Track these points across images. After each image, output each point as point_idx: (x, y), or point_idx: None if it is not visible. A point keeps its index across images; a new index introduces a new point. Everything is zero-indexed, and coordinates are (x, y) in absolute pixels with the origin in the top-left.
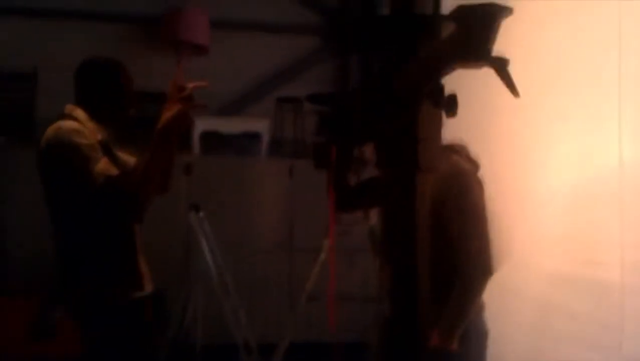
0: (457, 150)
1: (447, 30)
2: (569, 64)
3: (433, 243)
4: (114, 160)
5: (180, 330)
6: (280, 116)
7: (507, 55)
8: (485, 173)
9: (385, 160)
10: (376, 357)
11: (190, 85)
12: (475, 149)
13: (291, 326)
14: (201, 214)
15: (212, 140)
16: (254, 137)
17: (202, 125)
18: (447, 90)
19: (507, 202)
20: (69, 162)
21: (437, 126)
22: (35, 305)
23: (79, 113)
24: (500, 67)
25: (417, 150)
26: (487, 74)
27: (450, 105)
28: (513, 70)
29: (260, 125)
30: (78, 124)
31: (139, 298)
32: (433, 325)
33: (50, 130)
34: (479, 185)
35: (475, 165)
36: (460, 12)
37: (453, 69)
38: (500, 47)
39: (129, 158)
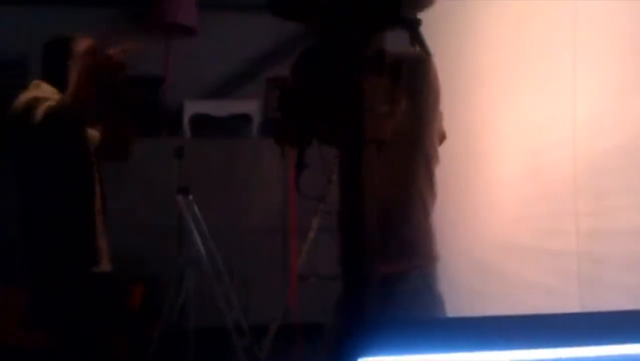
0: None
1: None
2: (524, 35)
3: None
4: None
5: (172, 314)
6: (271, 97)
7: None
8: (446, 143)
9: (330, 132)
10: (330, 335)
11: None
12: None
13: (283, 308)
14: (190, 197)
15: (202, 123)
16: (245, 118)
17: (191, 108)
18: None
19: (465, 172)
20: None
21: (382, 94)
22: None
23: (43, 85)
24: (412, 28)
25: (362, 120)
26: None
27: (395, 72)
28: (471, 42)
29: (251, 107)
30: (35, 91)
31: (94, 274)
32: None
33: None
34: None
35: None
36: None
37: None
38: (458, 22)
39: (93, 133)
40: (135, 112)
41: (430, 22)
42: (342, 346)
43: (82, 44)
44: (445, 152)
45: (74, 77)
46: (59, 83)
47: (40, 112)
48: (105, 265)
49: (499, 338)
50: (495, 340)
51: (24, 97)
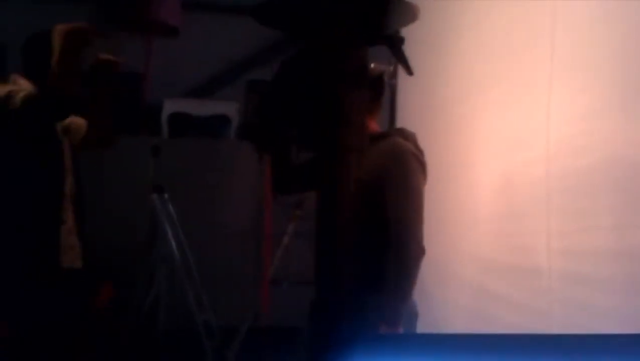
0: (405, 135)
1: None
2: (502, 54)
3: (369, 220)
4: None
5: (141, 313)
6: (251, 99)
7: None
8: (428, 161)
9: (310, 141)
10: (306, 341)
11: None
12: (420, 136)
13: (252, 311)
14: (165, 196)
15: (180, 122)
16: (223, 119)
17: (170, 107)
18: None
19: (447, 189)
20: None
21: (362, 106)
22: None
23: (21, 80)
24: (394, 45)
25: (341, 131)
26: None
27: (377, 85)
28: (447, 60)
29: (230, 108)
30: (13, 86)
31: (60, 269)
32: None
33: None
34: (420, 168)
35: (419, 150)
36: None
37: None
38: (435, 38)
39: (79, 122)
40: (118, 104)
41: (408, 39)
42: (326, 356)
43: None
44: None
45: (54, 68)
46: (38, 78)
47: (18, 98)
48: (74, 261)
49: (493, 354)
50: (490, 356)
51: (2, 89)
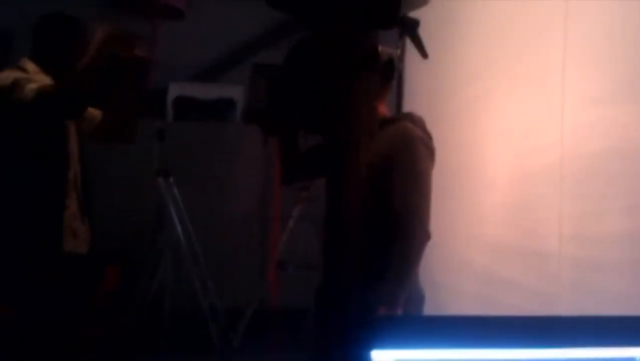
0: (413, 120)
1: None
2: (515, 38)
3: (375, 206)
4: None
5: (148, 297)
6: (257, 83)
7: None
8: (437, 145)
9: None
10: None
11: None
12: (430, 122)
13: (259, 294)
14: (171, 179)
15: (185, 105)
16: (229, 103)
17: (175, 90)
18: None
19: (453, 173)
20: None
21: (372, 90)
22: None
23: (29, 65)
24: (410, 28)
25: (351, 115)
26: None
27: (387, 69)
28: (460, 44)
29: (235, 92)
30: (20, 72)
31: (65, 254)
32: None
33: None
34: (428, 153)
35: (428, 135)
36: None
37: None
38: (447, 23)
39: (93, 112)
40: (141, 96)
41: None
42: (349, 338)
43: (99, 30)
44: (438, 151)
45: (85, 63)
46: (47, 62)
47: (29, 90)
48: (77, 247)
49: (505, 336)
50: (501, 338)
51: (9, 75)
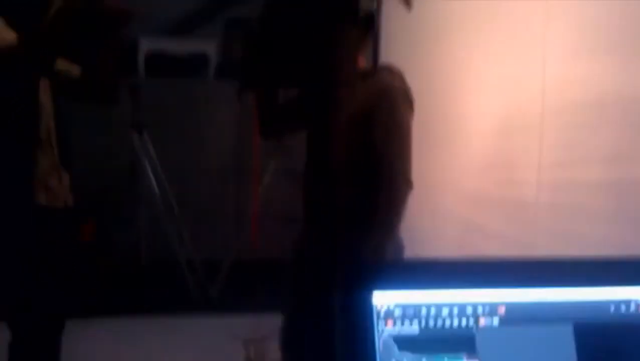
0: (392, 72)
1: None
2: None
3: (357, 158)
4: None
5: (124, 250)
6: (230, 37)
7: None
8: (417, 97)
9: (299, 78)
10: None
11: None
12: (409, 74)
13: (236, 245)
14: (145, 135)
15: (158, 61)
16: (202, 58)
17: (147, 44)
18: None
19: (436, 125)
20: None
21: (352, 42)
22: None
23: None
24: None
25: (331, 67)
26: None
27: (366, 23)
28: None
29: (209, 46)
30: None
31: (39, 207)
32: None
33: None
34: (407, 103)
35: (406, 86)
36: None
37: None
38: None
39: (70, 67)
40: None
41: None
42: (348, 281)
43: None
44: (418, 103)
45: (52, 15)
46: (12, 15)
47: None
48: (52, 201)
49: (512, 277)
50: (508, 278)
51: None
